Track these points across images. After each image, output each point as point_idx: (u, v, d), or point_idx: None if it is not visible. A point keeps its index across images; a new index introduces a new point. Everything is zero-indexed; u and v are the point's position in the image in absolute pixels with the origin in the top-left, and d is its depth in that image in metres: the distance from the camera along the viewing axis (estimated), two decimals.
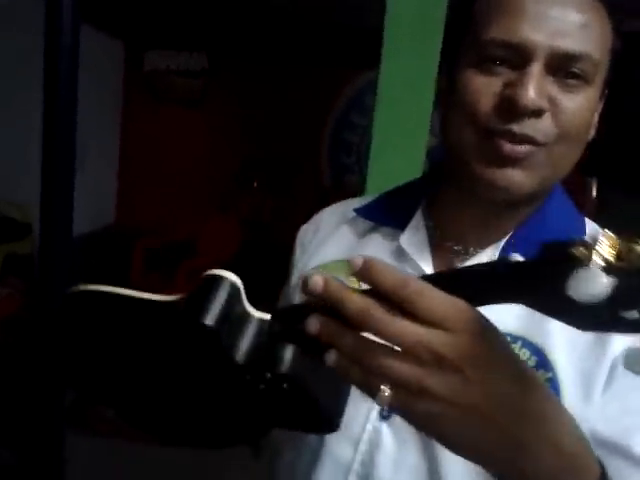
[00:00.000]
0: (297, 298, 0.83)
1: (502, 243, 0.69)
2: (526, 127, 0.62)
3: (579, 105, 0.63)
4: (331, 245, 0.81)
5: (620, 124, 3.68)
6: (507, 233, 0.69)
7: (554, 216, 0.71)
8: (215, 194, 4.51)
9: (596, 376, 0.62)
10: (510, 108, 0.61)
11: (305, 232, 0.88)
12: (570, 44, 0.61)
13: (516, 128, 0.62)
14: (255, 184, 4.58)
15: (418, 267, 0.71)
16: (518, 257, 0.40)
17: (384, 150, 2.10)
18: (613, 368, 0.62)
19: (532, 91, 0.60)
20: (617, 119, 3.83)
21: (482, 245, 0.70)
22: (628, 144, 3.81)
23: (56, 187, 2.42)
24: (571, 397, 0.61)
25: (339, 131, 4.54)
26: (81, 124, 2.34)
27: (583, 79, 0.63)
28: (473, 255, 0.70)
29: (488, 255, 0.69)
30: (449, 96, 0.67)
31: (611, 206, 3.80)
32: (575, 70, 0.62)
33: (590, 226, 0.73)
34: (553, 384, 0.62)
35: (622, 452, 0.58)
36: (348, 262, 0.42)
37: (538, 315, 0.56)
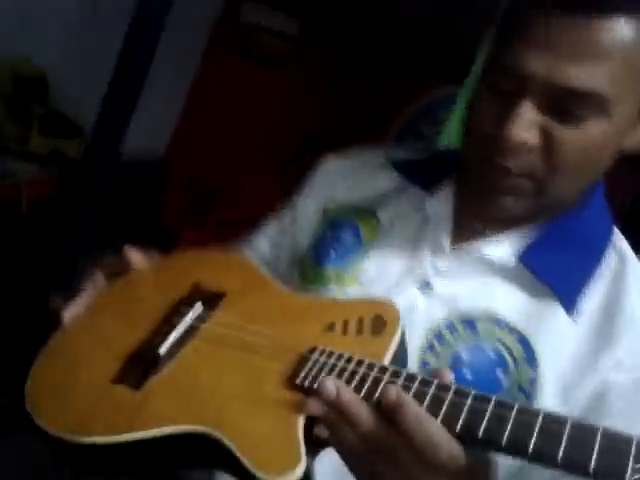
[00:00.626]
0: (306, 227, 0.86)
1: (523, 238, 0.69)
2: (509, 161, 0.61)
3: (582, 140, 0.58)
4: (362, 189, 0.81)
5: None
6: (525, 224, 0.70)
7: (581, 229, 0.69)
8: (269, 158, 4.52)
9: (577, 390, 0.63)
10: (493, 140, 0.61)
11: (334, 163, 0.89)
12: (571, 75, 0.54)
13: (499, 161, 0.61)
14: (309, 159, 4.59)
15: (436, 238, 0.72)
16: None
17: None
18: (599, 394, 0.62)
19: (516, 127, 0.58)
20: None
21: (501, 231, 0.70)
22: None
23: (117, 104, 2.46)
24: (548, 402, 0.63)
25: (402, 138, 4.52)
26: (160, 53, 2.36)
27: (586, 116, 0.58)
28: (491, 238, 0.70)
29: (505, 244, 0.69)
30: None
31: None
32: (575, 108, 0.57)
33: (618, 239, 0.71)
34: (535, 382, 0.63)
35: None
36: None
37: (539, 315, 0.64)
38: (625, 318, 0.64)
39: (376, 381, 0.50)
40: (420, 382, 0.49)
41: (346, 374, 0.51)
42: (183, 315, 0.63)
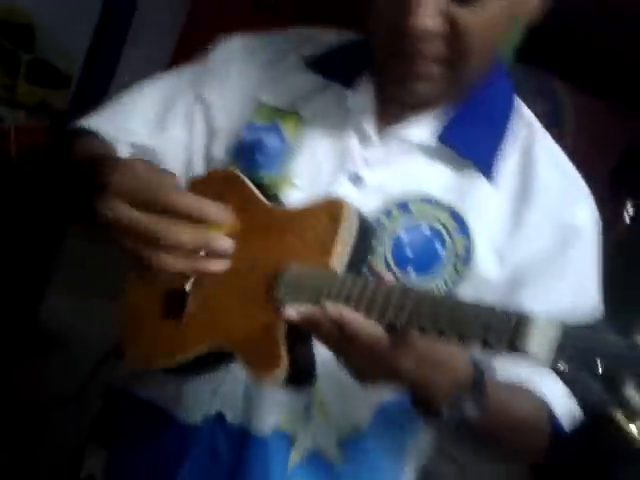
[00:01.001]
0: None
1: (440, 117, 0.73)
2: (417, 48, 0.63)
3: (484, 20, 0.61)
4: (278, 86, 0.79)
5: None
6: (442, 102, 0.72)
7: (490, 102, 0.74)
8: None
9: (507, 251, 0.71)
10: (400, 32, 0.62)
11: (241, 46, 0.84)
12: None
13: (408, 48, 0.63)
14: None
15: (362, 126, 0.74)
16: None
17: None
18: (526, 256, 0.71)
19: (420, 12, 0.59)
20: None
21: (420, 114, 0.73)
22: None
23: (104, 50, 2.44)
24: (484, 263, 0.70)
25: None
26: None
27: None
28: (410, 122, 0.73)
29: (425, 125, 0.72)
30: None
31: None
32: None
33: (523, 109, 0.77)
34: (469, 249, 0.70)
35: None
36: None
37: (464, 187, 0.71)
38: (539, 183, 0.71)
39: (337, 295, 0.55)
40: (360, 287, 0.55)
41: (314, 287, 0.58)
42: None
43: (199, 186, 0.74)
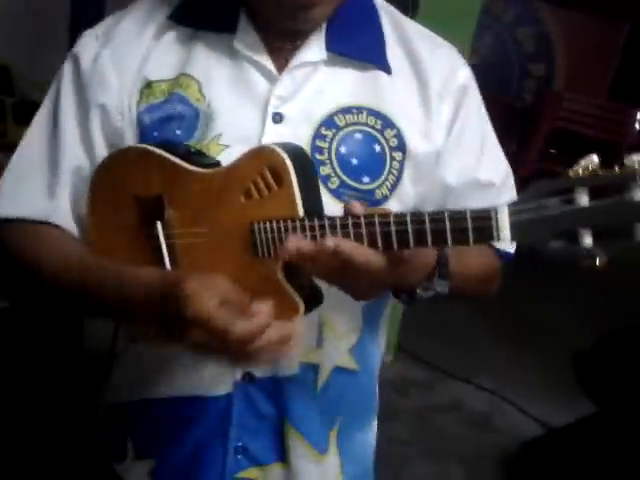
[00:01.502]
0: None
1: (322, 34, 0.75)
2: None
3: None
4: (159, 59, 0.76)
5: None
6: (319, 23, 0.75)
7: (354, 5, 0.78)
8: None
9: (430, 125, 0.77)
10: None
11: (97, 47, 0.78)
12: None
13: None
14: None
15: (260, 64, 0.75)
16: None
17: None
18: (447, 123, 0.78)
19: None
20: None
21: (303, 36, 0.75)
22: None
23: None
24: (415, 143, 0.76)
25: None
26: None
27: None
28: (300, 46, 0.75)
29: (313, 45, 0.75)
30: None
31: None
32: None
33: (385, 8, 0.81)
34: (399, 137, 0.76)
35: (473, 187, 0.80)
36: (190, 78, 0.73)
37: (370, 85, 0.76)
38: (424, 62, 0.78)
39: (304, 229, 0.61)
40: (341, 223, 0.60)
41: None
42: (154, 237, 0.71)
43: (106, 176, 0.74)
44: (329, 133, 0.75)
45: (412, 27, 0.82)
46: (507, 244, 0.57)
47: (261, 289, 0.63)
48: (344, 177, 0.75)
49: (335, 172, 0.74)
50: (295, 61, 0.75)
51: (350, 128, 0.75)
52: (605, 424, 2.21)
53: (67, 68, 0.79)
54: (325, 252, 0.57)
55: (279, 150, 0.64)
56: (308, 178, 0.65)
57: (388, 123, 0.76)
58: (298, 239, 0.60)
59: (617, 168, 0.50)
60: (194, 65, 0.76)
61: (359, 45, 0.77)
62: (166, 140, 0.73)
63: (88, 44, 0.78)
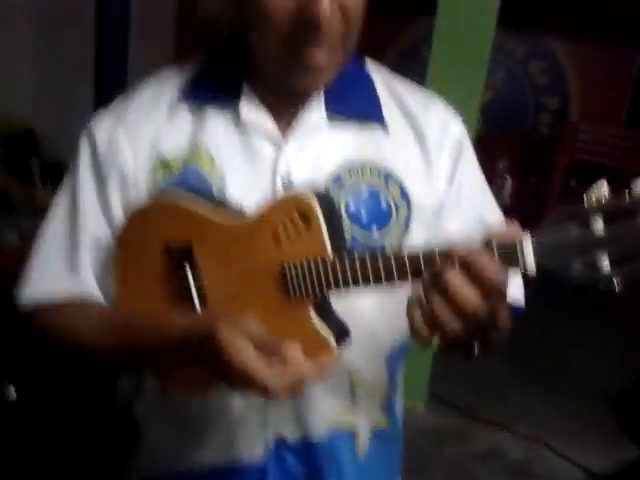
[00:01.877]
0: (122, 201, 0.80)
1: (321, 97, 0.80)
2: (325, 29, 0.70)
3: (358, 3, 0.72)
4: (171, 136, 0.80)
5: None
6: (320, 90, 0.79)
7: (347, 71, 0.81)
8: None
9: (431, 171, 0.81)
10: (305, 23, 0.69)
11: (111, 126, 0.81)
12: None
13: (316, 36, 0.70)
14: None
15: (265, 131, 0.79)
16: None
17: None
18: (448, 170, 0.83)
19: (325, 3, 0.68)
20: None
21: (303, 101, 0.79)
22: None
23: None
24: (418, 194, 0.81)
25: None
26: (132, 64, 2.34)
27: None
28: (301, 110, 0.79)
29: (313, 108, 0.79)
30: (248, 19, 0.73)
31: None
32: None
33: (376, 70, 0.86)
34: (402, 189, 0.80)
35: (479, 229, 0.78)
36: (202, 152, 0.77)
37: (368, 143, 0.80)
38: (417, 117, 0.83)
39: (344, 274, 0.65)
40: (362, 259, 0.64)
41: (321, 276, 0.66)
42: (184, 281, 0.74)
43: (135, 228, 0.77)
44: (336, 188, 0.79)
45: (402, 85, 0.86)
46: (532, 272, 0.56)
47: (292, 329, 0.66)
48: (354, 229, 0.79)
49: (345, 226, 0.78)
50: (297, 123, 0.79)
51: (356, 184, 0.80)
52: None
53: (83, 147, 0.82)
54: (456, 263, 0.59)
55: (307, 194, 0.67)
56: (333, 218, 0.69)
57: (391, 177, 0.80)
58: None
59: (627, 194, 0.52)
60: (205, 136, 0.79)
61: (356, 104, 0.82)
62: (191, 189, 0.76)
63: (103, 123, 0.82)
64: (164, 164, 0.79)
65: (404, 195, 0.80)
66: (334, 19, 0.70)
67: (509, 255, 0.57)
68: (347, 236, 0.76)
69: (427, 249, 0.61)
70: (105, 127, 0.81)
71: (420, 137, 0.83)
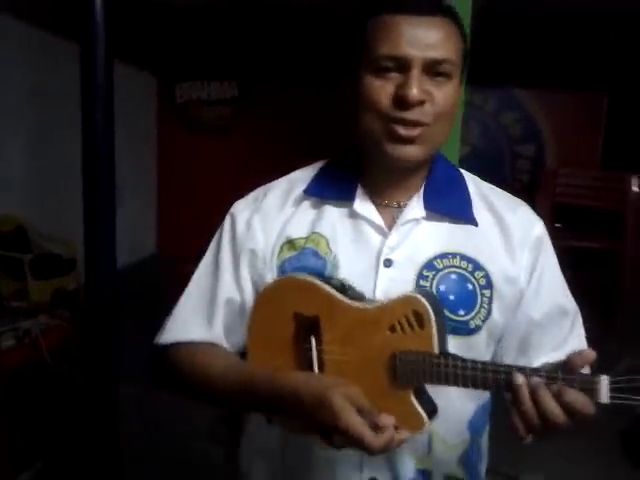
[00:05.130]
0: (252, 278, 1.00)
1: (420, 197, 0.97)
2: (414, 114, 0.87)
3: (447, 94, 0.89)
4: (297, 222, 0.99)
5: None
6: (418, 189, 0.98)
7: (444, 174, 1.01)
8: None
9: (512, 268, 0.95)
10: (402, 102, 0.87)
11: (249, 212, 1.03)
12: (436, 53, 0.87)
13: (408, 115, 0.87)
14: None
15: (374, 223, 0.97)
16: None
17: None
18: (531, 272, 0.96)
19: (415, 89, 0.86)
20: None
21: (406, 199, 0.98)
22: None
23: (98, 223, 2.48)
24: (501, 283, 0.94)
25: None
26: (119, 159, 2.40)
27: (447, 76, 0.89)
28: (404, 207, 0.97)
29: (414, 206, 0.96)
30: (356, 98, 0.92)
31: None
32: (441, 70, 0.88)
33: (468, 176, 1.03)
34: (487, 277, 0.94)
35: (555, 315, 0.98)
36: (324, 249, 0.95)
37: (460, 236, 0.96)
38: (504, 217, 0.98)
39: (446, 370, 0.78)
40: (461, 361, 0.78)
41: (426, 370, 0.79)
42: (308, 350, 0.87)
43: (272, 296, 0.92)
44: (430, 274, 0.93)
45: (493, 191, 1.03)
46: (604, 401, 0.72)
47: (393, 406, 0.79)
48: (444, 309, 0.88)
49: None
50: (401, 219, 0.96)
51: (447, 270, 0.93)
52: None
53: (227, 226, 1.04)
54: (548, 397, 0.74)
55: (424, 300, 0.80)
56: (440, 322, 0.81)
57: (477, 266, 0.94)
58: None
59: None
60: (323, 225, 0.98)
61: (450, 204, 0.97)
62: (309, 264, 0.95)
63: (244, 210, 1.03)
64: (289, 243, 0.98)
65: (489, 283, 0.93)
66: (427, 107, 0.88)
67: (589, 390, 0.72)
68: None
69: (520, 366, 0.76)
70: (245, 213, 1.03)
71: (507, 236, 0.96)
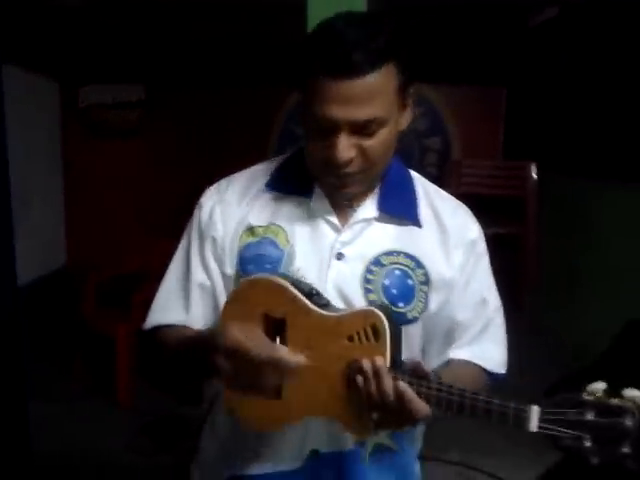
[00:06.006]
0: (211, 258, 1.12)
1: (374, 198, 1.08)
2: (344, 171, 0.97)
3: (379, 141, 0.96)
4: (257, 212, 1.09)
5: (559, 114, 3.82)
6: (372, 190, 1.08)
7: (397, 177, 1.11)
8: (161, 222, 4.48)
9: (445, 271, 1.07)
10: (330, 164, 0.97)
11: (212, 202, 1.13)
12: (362, 114, 0.92)
13: (339, 171, 0.97)
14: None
15: (329, 221, 1.07)
16: None
17: None
18: (461, 270, 1.08)
19: (341, 152, 0.94)
20: (555, 110, 3.99)
21: (360, 200, 1.07)
22: (565, 130, 3.96)
23: None
24: (437, 280, 1.06)
25: (283, 146, 4.59)
26: (22, 170, 2.30)
27: (377, 128, 0.94)
28: (358, 207, 1.08)
29: (368, 206, 1.07)
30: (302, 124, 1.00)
31: (550, 186, 3.95)
32: (369, 130, 0.94)
33: (417, 179, 1.15)
34: (426, 276, 1.05)
35: (481, 311, 1.11)
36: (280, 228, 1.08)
37: (405, 235, 1.07)
38: (445, 219, 1.09)
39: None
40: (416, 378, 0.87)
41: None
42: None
43: (244, 295, 0.99)
44: (376, 269, 1.04)
45: (438, 194, 1.14)
46: (532, 430, 0.79)
47: (346, 411, 0.91)
48: (385, 301, 1.02)
49: (380, 298, 1.03)
50: (355, 218, 1.07)
51: (391, 266, 1.05)
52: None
53: (195, 215, 1.15)
54: (393, 391, 0.85)
55: (382, 316, 0.89)
56: (395, 334, 0.90)
57: (418, 264, 1.06)
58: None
59: (618, 399, 0.74)
60: (282, 218, 1.08)
61: (400, 206, 1.09)
62: (279, 263, 1.05)
63: (208, 200, 1.14)
64: (249, 230, 1.08)
65: (427, 280, 1.05)
66: (356, 160, 0.96)
67: (522, 419, 0.80)
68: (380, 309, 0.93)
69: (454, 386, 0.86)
70: (208, 204, 1.13)
71: (445, 236, 1.08)
